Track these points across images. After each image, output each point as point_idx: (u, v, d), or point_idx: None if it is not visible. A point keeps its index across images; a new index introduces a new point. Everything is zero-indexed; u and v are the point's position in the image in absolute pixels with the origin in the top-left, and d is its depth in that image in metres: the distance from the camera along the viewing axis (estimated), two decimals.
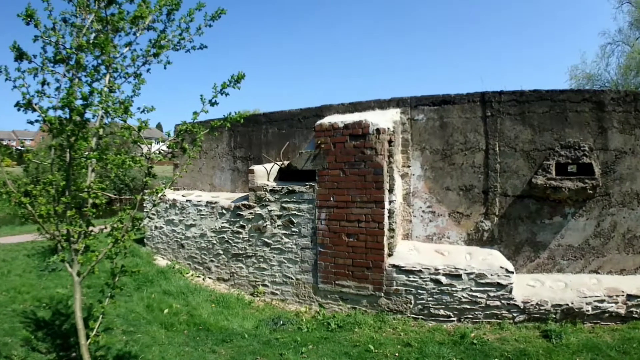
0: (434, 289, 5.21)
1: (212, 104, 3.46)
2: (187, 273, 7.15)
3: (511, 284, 5.15)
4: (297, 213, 5.84)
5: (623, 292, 5.48)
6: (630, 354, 4.73)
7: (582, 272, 5.67)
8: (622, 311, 5.47)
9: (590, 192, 5.34)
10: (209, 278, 7.00)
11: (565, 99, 5.35)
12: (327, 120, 5.61)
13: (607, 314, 5.41)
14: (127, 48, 3.48)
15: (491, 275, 5.12)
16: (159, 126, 73.79)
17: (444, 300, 5.21)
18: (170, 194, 7.86)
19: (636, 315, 5.58)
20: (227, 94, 3.47)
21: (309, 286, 5.86)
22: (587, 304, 5.33)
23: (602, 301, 5.38)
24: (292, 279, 6.01)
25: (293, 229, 5.91)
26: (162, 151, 3.69)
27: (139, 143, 3.32)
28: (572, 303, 5.26)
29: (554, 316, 5.22)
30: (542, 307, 5.23)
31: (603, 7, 62.27)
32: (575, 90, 5.50)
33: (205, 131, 3.53)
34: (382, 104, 5.79)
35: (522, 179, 5.44)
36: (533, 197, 5.42)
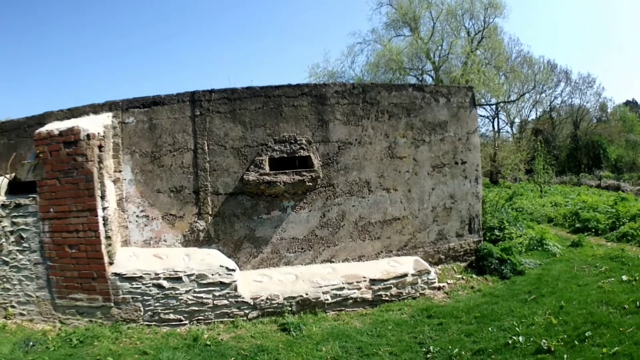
0: (158, 293, 5.13)
1: None
2: None
3: (234, 281, 5.20)
4: (25, 227, 5.43)
5: (365, 277, 5.67)
6: (386, 336, 4.84)
7: (313, 263, 5.83)
8: (369, 296, 5.68)
9: (310, 184, 5.48)
10: None
11: (281, 95, 5.42)
12: (46, 128, 5.27)
13: (351, 300, 5.57)
14: None
15: (212, 275, 5.14)
16: None
17: (171, 304, 5.16)
18: None
19: (386, 298, 5.80)
20: None
21: (48, 303, 5.53)
22: (324, 293, 5.47)
23: (341, 289, 5.55)
24: (32, 297, 5.62)
25: (24, 245, 5.49)
26: None
27: None
28: (307, 294, 5.39)
29: (290, 309, 5.33)
30: (274, 302, 5.32)
31: (354, 11, 67.29)
32: (293, 86, 5.59)
33: None
34: (97, 109, 5.53)
35: (233, 176, 5.48)
36: (246, 193, 5.49)
